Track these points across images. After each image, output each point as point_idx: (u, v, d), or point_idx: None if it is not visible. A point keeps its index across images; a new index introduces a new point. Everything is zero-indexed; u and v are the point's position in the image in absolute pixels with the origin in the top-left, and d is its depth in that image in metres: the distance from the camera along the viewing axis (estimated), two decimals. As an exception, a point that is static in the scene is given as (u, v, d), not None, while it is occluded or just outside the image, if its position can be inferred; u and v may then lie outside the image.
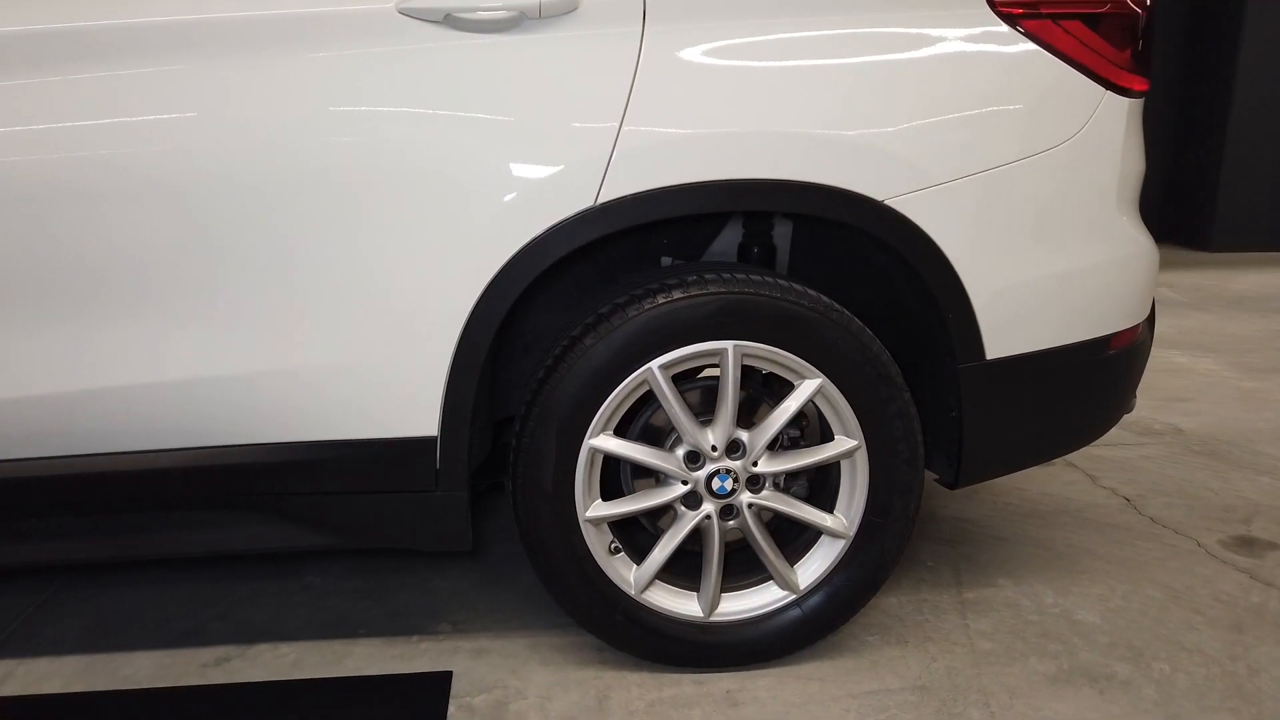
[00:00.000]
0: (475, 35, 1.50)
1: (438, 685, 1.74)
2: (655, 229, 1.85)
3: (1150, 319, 1.97)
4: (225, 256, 1.50)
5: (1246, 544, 2.28)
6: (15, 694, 1.73)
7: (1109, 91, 1.67)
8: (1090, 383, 1.81)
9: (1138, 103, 1.74)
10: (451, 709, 1.68)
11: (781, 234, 1.96)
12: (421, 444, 1.62)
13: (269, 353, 1.55)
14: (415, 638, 1.91)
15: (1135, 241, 1.77)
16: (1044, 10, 1.63)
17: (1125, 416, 2.06)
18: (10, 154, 1.45)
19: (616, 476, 1.82)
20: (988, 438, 1.78)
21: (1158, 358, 3.99)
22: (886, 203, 1.59)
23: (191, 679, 1.78)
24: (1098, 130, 1.67)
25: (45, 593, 2.10)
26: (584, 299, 1.86)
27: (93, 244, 1.48)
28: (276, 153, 1.48)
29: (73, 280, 1.49)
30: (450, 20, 1.49)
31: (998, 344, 1.70)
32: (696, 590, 1.77)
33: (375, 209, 1.51)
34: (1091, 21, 1.65)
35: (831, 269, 1.96)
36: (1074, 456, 2.85)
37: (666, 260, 1.95)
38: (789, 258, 1.98)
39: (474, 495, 1.79)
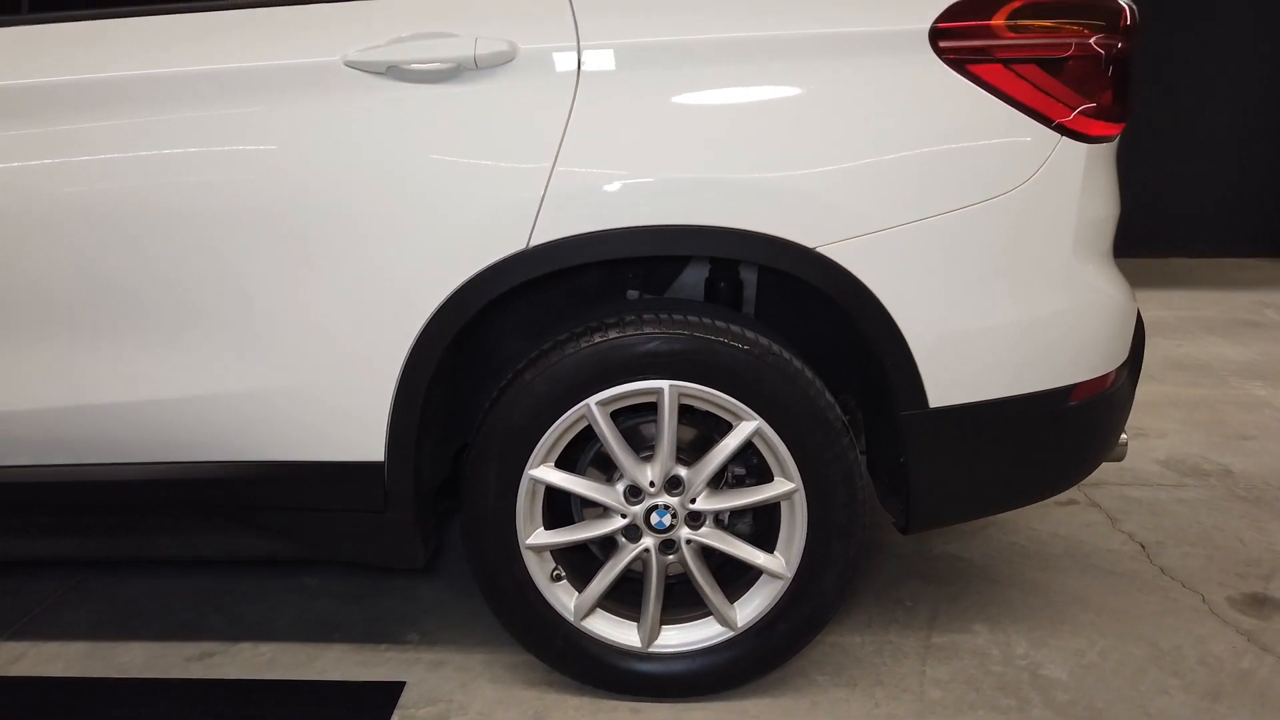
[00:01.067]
0: (416, 85, 1.58)
1: (388, 695, 1.84)
2: (619, 262, 1.89)
3: (1132, 367, 1.89)
4: (190, 286, 1.63)
5: (1257, 604, 2.16)
6: (20, 675, 1.92)
7: (1065, 137, 1.62)
8: (1050, 434, 1.75)
9: (1102, 147, 1.68)
10: (394, 718, 1.77)
11: (748, 271, 1.97)
12: (370, 468, 1.71)
13: (230, 376, 1.67)
14: (384, 645, 2.02)
15: (1096, 291, 1.70)
16: (996, 54, 1.59)
17: (1121, 464, 1.98)
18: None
19: (569, 503, 1.88)
20: (936, 486, 1.75)
21: (1231, 388, 3.77)
22: (818, 249, 1.58)
23: (174, 671, 1.93)
24: (1051, 177, 1.62)
25: (72, 580, 2.30)
26: (554, 326, 1.92)
27: (81, 273, 1.64)
28: (237, 193, 1.59)
29: (68, 304, 1.65)
30: (393, 71, 1.57)
31: (942, 393, 1.67)
32: (638, 620, 1.81)
33: (324, 248, 1.60)
34: (1050, 66, 1.60)
35: (796, 308, 1.96)
36: (1100, 496, 2.74)
37: (633, 293, 1.99)
38: (756, 294, 1.99)
39: (434, 516, 1.88)
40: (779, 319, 1.97)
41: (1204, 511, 2.65)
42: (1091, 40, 1.61)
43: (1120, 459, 2.04)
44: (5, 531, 1.81)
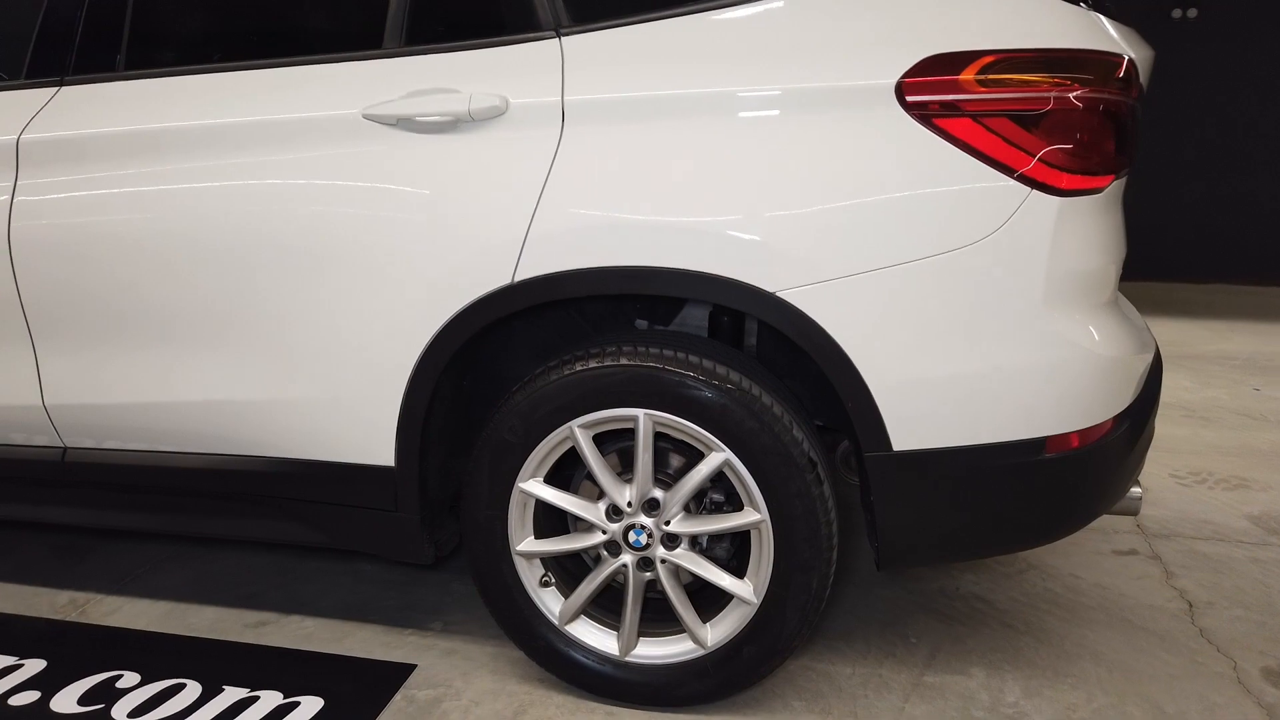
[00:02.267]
0: (422, 135, 1.77)
1: (397, 675, 2.04)
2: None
3: (1135, 420, 1.83)
4: (232, 305, 1.89)
5: (1293, 677, 2.04)
6: (111, 625, 2.26)
7: (1035, 191, 1.62)
8: (1022, 486, 1.74)
9: (1089, 199, 1.66)
10: (397, 696, 1.97)
11: (751, 306, 2.04)
12: (383, 472, 1.92)
13: (263, 384, 1.92)
14: (409, 631, 2.23)
15: (1071, 345, 1.68)
16: (965, 109, 1.61)
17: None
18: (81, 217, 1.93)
19: (565, 512, 2.03)
20: (903, 526, 1.78)
21: (1369, 443, 3.46)
22: (778, 294, 1.66)
23: (230, 635, 2.22)
24: (1019, 231, 1.62)
25: (173, 548, 2.66)
26: (562, 350, 2.07)
27: (155, 294, 1.93)
28: (271, 227, 1.84)
29: (146, 319, 1.95)
30: (402, 123, 1.77)
31: (905, 437, 1.70)
32: (618, 629, 1.93)
33: (341, 276, 1.82)
34: (1023, 120, 1.61)
35: (791, 345, 2.01)
36: (1166, 547, 2.62)
37: (642, 323, 2.11)
38: (758, 329, 2.06)
39: (443, 519, 2.07)
40: (775, 356, 2.04)
41: (1277, 575, 2.49)
42: (1071, 94, 1.61)
43: (1133, 513, 1.99)
44: (100, 504, 2.15)
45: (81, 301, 1.98)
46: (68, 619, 2.30)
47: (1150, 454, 3.25)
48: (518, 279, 1.74)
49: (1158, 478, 3.13)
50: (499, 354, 2.09)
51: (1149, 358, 1.92)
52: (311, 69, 1.86)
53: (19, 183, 1.97)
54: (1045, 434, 1.71)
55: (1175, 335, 5.28)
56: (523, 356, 2.13)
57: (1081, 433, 1.74)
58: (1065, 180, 1.62)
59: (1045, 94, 1.61)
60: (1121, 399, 1.79)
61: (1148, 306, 5.92)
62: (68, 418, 2.07)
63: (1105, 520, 2.79)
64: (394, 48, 1.84)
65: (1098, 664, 2.08)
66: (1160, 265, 6.71)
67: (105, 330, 1.99)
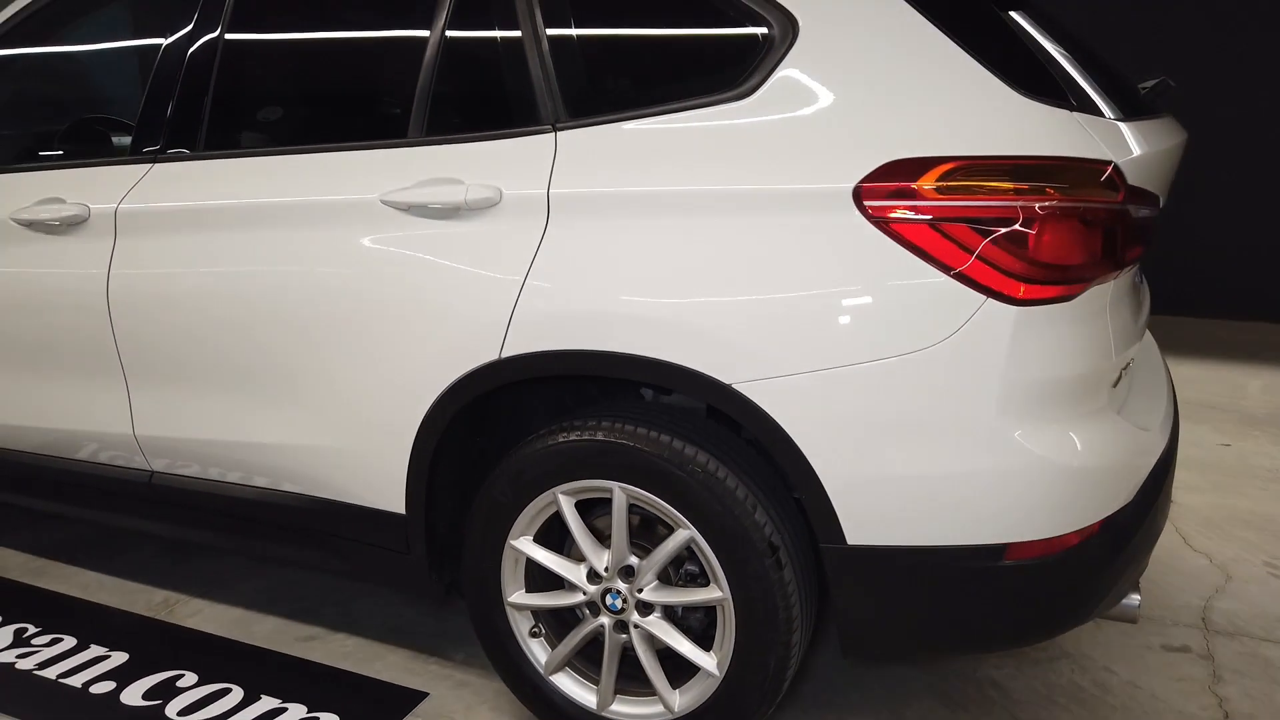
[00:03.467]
0: (428, 220, 1.94)
1: (409, 701, 2.24)
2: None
3: (1115, 527, 1.76)
4: (280, 360, 2.13)
5: (1314, 812, 1.89)
6: (187, 625, 2.58)
7: (991, 299, 1.60)
8: (982, 589, 1.72)
9: (1047, 310, 1.62)
10: (402, 722, 2.17)
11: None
12: (396, 517, 2.11)
13: (306, 431, 2.15)
14: (433, 660, 2.42)
15: (1030, 455, 1.64)
16: (922, 213, 1.62)
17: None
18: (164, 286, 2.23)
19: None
20: (862, 619, 1.80)
21: None
22: (734, 386, 1.72)
23: (283, 646, 2.48)
24: (972, 338, 1.61)
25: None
26: (577, 411, 2.19)
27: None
28: (305, 298, 2.07)
29: (204, 366, 2.24)
30: (412, 209, 1.95)
31: (859, 532, 1.72)
32: (597, 685, 2.04)
33: (361, 342, 2.02)
34: (984, 228, 1.60)
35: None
36: (1225, 647, 2.45)
37: (647, 392, 2.19)
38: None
39: (450, 563, 2.23)
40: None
41: (1345, 692, 2.29)
42: (1036, 203, 1.59)
43: (1130, 620, 1.92)
44: (180, 521, 2.46)
45: (162, 349, 2.28)
46: (157, 616, 2.64)
47: (1244, 536, 3.04)
48: (503, 356, 1.88)
49: (1249, 565, 2.91)
50: (521, 414, 2.24)
51: (1151, 459, 1.85)
52: (346, 155, 2.07)
53: (116, 246, 2.29)
54: (1004, 540, 1.69)
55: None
56: (542, 417, 2.27)
57: (1047, 541, 1.70)
58: (1023, 289, 1.60)
59: (1006, 202, 1.59)
60: (1103, 506, 1.73)
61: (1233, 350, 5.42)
62: (153, 446, 2.39)
63: (1167, 609, 2.64)
64: (416, 137, 2.02)
65: (1096, 771, 2.01)
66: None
67: (180, 374, 2.28)
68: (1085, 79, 1.93)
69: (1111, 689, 2.30)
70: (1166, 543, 3.04)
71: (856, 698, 2.26)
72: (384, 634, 2.54)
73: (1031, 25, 2.07)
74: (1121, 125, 1.85)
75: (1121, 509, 1.76)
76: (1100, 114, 1.74)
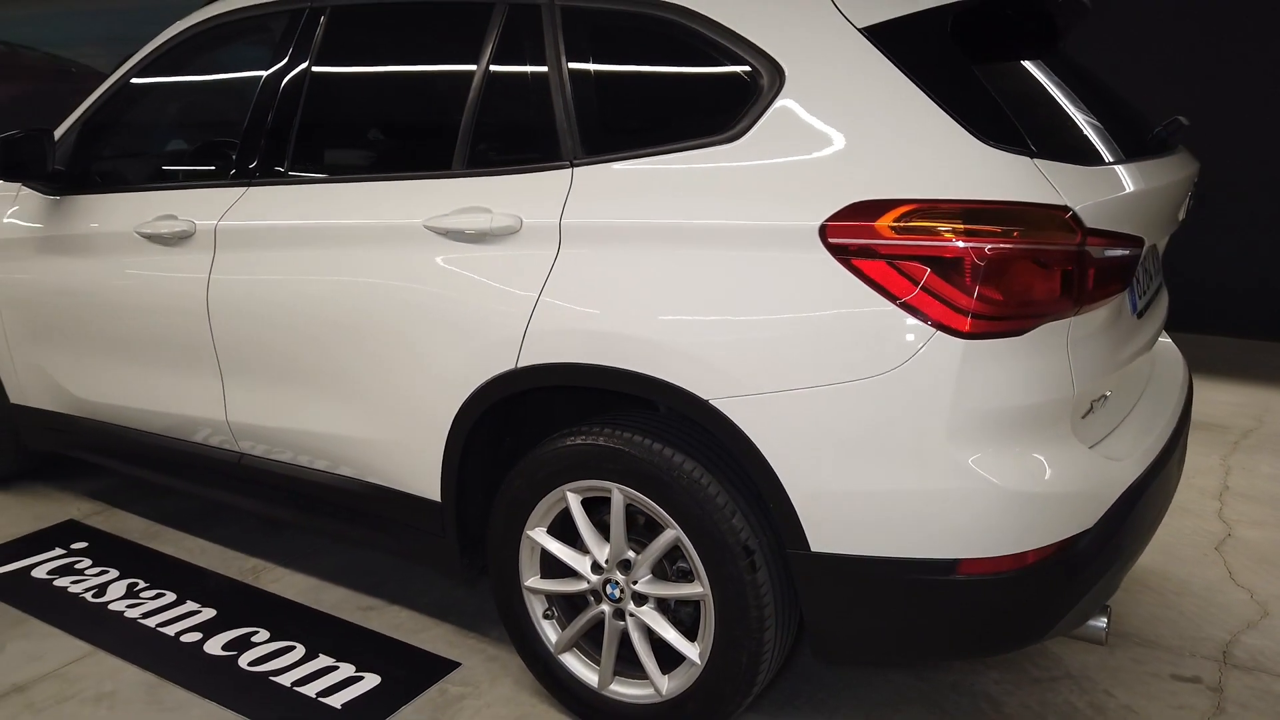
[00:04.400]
0: (461, 244, 2.20)
1: (442, 669, 2.51)
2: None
3: (1074, 550, 1.85)
4: (341, 362, 2.44)
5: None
6: (269, 591, 2.93)
7: (940, 332, 1.73)
8: (935, 601, 1.84)
9: (995, 344, 1.74)
10: (433, 688, 2.44)
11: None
12: (433, 504, 2.38)
13: (361, 424, 2.45)
14: (471, 635, 2.69)
15: (975, 477, 1.76)
16: (880, 252, 1.76)
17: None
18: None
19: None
20: (826, 622, 1.96)
21: None
22: (710, 402, 1.90)
23: (343, 614, 2.80)
24: (923, 367, 1.74)
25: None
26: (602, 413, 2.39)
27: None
28: (364, 307, 2.36)
29: (281, 363, 2.57)
30: (448, 234, 2.21)
31: (822, 540, 1.88)
32: (599, 666, 2.26)
33: (405, 348, 2.30)
34: (936, 265, 1.73)
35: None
36: (1237, 680, 2.45)
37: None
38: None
39: (479, 548, 2.48)
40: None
41: (1356, 733, 2.28)
42: (986, 245, 1.71)
43: (1097, 642, 2.00)
44: (263, 498, 2.82)
45: (248, 347, 2.63)
46: (244, 580, 3.01)
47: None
48: (519, 365, 2.12)
49: (1292, 603, 2.87)
50: (548, 418, 2.47)
51: (1118, 489, 1.92)
52: (399, 184, 2.36)
53: (215, 258, 2.65)
54: (957, 556, 1.81)
55: None
56: (566, 422, 2.49)
57: (998, 559, 1.81)
58: (969, 324, 1.72)
59: (956, 243, 1.72)
60: (1058, 530, 1.83)
61: None
62: (242, 431, 2.75)
63: (1187, 640, 2.65)
64: (458, 169, 2.29)
65: (1067, 786, 2.09)
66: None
67: (262, 369, 2.63)
68: (1091, 122, 2.03)
69: (1106, 711, 2.35)
70: (1209, 575, 3.02)
71: (846, 698, 2.39)
72: (434, 610, 2.82)
73: (1046, 74, 2.18)
74: (1118, 168, 1.95)
75: (1081, 534, 1.86)
76: (1097, 158, 1.85)
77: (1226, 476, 3.81)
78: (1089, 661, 2.55)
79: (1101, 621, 1.98)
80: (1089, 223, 1.78)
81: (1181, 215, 2.31)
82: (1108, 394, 2.02)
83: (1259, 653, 2.61)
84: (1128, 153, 2.09)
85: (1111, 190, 1.88)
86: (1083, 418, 1.93)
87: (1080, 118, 2.12)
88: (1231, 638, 2.67)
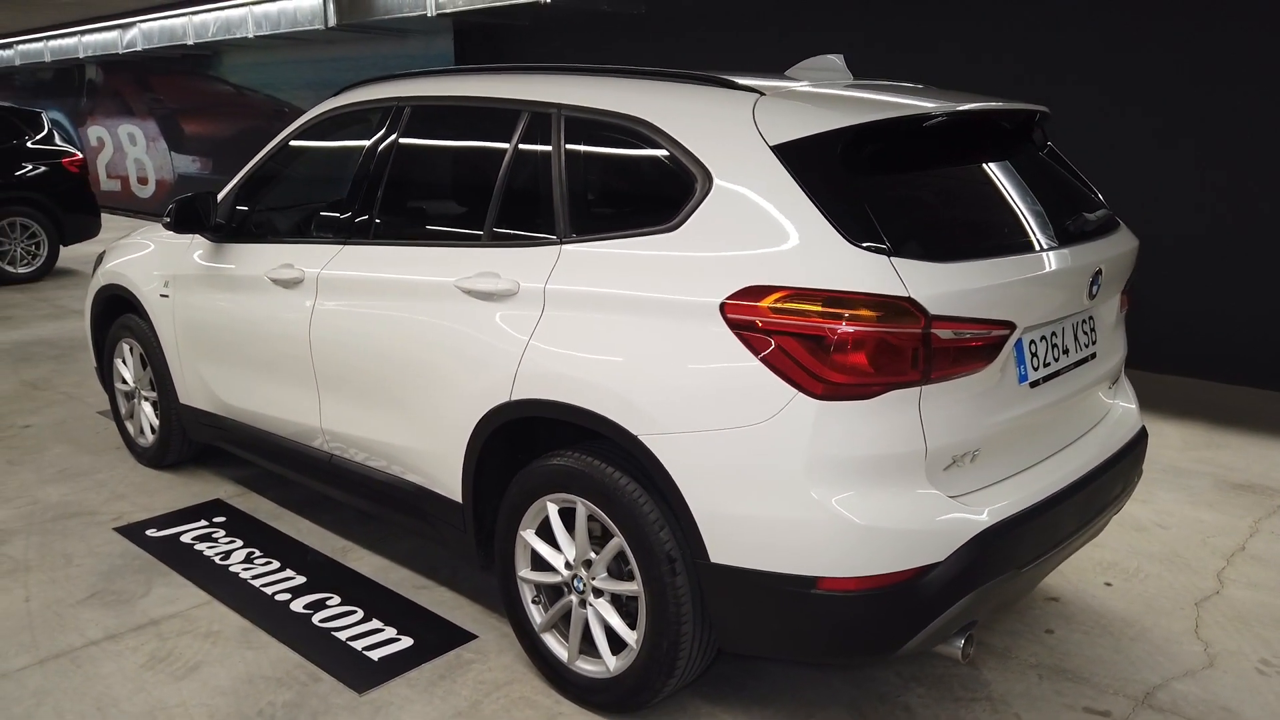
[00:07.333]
0: (478, 300, 2.81)
1: (461, 639, 3.11)
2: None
3: (925, 580, 2.22)
4: (395, 385, 3.10)
5: None
6: (350, 567, 3.63)
7: (800, 394, 2.18)
8: (803, 609, 2.27)
9: (846, 405, 2.16)
10: (450, 653, 3.04)
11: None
12: (458, 504, 2.99)
13: (409, 435, 3.10)
14: (494, 615, 3.27)
15: (827, 510, 2.17)
16: (762, 326, 2.23)
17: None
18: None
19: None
20: (724, 620, 2.42)
21: None
22: (639, 436, 2.41)
23: (397, 588, 3.45)
24: (786, 421, 2.19)
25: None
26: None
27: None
28: (412, 345, 3.01)
29: (356, 384, 3.26)
30: (471, 292, 2.82)
31: (719, 553, 2.35)
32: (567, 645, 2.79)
33: (442, 379, 2.93)
34: (802, 341, 2.18)
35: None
36: (1142, 717, 2.71)
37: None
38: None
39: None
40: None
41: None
42: (838, 326, 2.15)
43: (956, 660, 2.35)
44: (348, 490, 3.52)
45: (336, 370, 3.34)
46: (334, 557, 3.73)
47: (1266, 635, 3.12)
48: (512, 399, 2.70)
49: (1241, 659, 3.02)
50: (554, 439, 3.03)
51: (969, 531, 2.27)
52: (442, 250, 3.01)
53: (316, 300, 3.39)
54: (817, 574, 2.24)
55: None
56: (566, 443, 3.05)
57: (853, 579, 2.23)
58: (821, 388, 2.17)
59: (815, 323, 2.18)
60: (907, 559, 2.23)
61: None
62: (332, 435, 3.47)
63: (1116, 679, 2.89)
64: (484, 241, 2.90)
65: (940, 784, 2.44)
66: None
67: (344, 387, 3.33)
68: (982, 219, 2.43)
69: (1016, 729, 2.66)
70: (1174, 626, 3.21)
71: (774, 691, 2.80)
72: (472, 592, 3.43)
73: (966, 174, 2.60)
74: (988, 261, 2.34)
75: (930, 565, 2.24)
76: (967, 253, 2.30)
77: (1249, 539, 3.90)
78: (1013, 689, 2.85)
79: (959, 644, 2.34)
80: (940, 311, 2.18)
81: (1094, 294, 2.62)
82: (977, 450, 2.38)
83: (1182, 698, 2.82)
84: (1039, 243, 2.47)
85: (972, 282, 2.26)
86: (944, 469, 2.31)
87: (972, 216, 2.50)
88: (1163, 683, 2.90)
